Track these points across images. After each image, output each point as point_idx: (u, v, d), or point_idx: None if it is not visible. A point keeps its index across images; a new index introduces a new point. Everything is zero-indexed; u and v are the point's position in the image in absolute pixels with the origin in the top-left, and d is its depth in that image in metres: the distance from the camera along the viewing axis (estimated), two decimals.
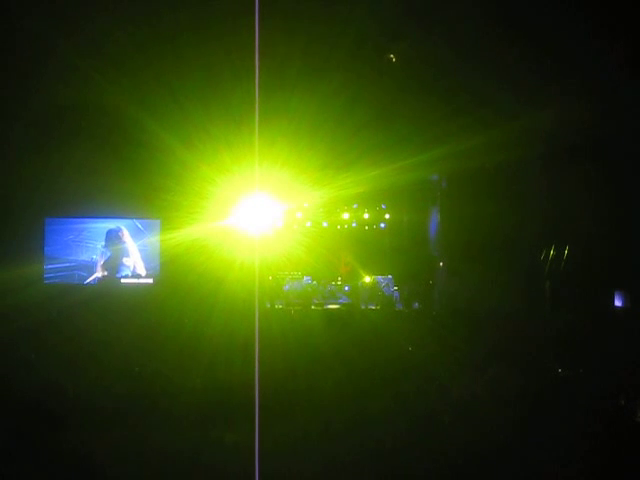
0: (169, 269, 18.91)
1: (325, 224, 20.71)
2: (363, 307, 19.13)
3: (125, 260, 19.21)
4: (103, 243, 19.03)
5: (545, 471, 6.51)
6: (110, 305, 16.69)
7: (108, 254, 19.07)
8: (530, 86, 12.37)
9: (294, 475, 6.45)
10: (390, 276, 20.07)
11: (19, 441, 6.70)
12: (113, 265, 19.10)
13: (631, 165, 12.74)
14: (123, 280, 19.16)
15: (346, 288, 20.25)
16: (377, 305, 19.30)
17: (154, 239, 19.30)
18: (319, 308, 19.08)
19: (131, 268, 19.15)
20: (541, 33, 11.32)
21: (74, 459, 6.49)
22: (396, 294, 19.80)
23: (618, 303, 14.50)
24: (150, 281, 19.23)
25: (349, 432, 7.26)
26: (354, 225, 21.00)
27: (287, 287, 19.89)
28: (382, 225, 21.01)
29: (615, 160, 13.09)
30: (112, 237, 19.11)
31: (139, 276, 19.15)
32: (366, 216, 20.86)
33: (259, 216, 17.15)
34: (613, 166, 13.16)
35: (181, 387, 8.71)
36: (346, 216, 20.76)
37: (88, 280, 18.95)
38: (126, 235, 19.17)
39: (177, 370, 9.44)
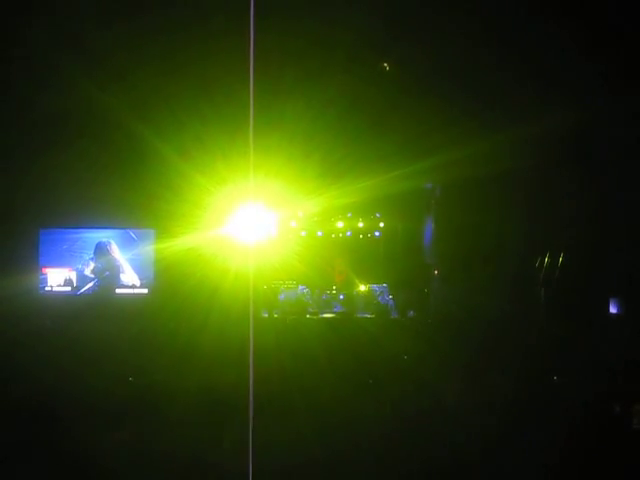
0: (164, 279, 18.89)
1: (320, 233, 20.73)
2: (358, 316, 19.13)
3: (116, 272, 19.24)
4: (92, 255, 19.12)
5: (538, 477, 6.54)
6: (104, 315, 16.67)
7: (98, 266, 19.13)
8: (521, 96, 12.43)
9: (287, 474, 6.49)
10: (385, 284, 20.09)
11: (13, 445, 6.72)
12: (104, 277, 19.16)
13: (624, 172, 12.81)
14: (118, 290, 19.14)
15: (341, 297, 20.26)
16: (372, 314, 19.30)
17: (149, 249, 19.30)
18: (314, 317, 19.08)
19: (124, 280, 19.20)
20: (530, 45, 11.40)
21: (68, 463, 6.50)
22: (391, 302, 19.81)
23: (613, 310, 14.53)
24: (145, 291, 19.22)
25: (342, 435, 7.30)
26: (348, 234, 21.01)
27: (282, 296, 19.89)
28: (377, 233, 21.04)
29: (608, 167, 13.15)
30: (101, 250, 19.20)
31: (134, 286, 19.14)
32: (360, 225, 20.90)
33: (254, 225, 17.14)
34: (606, 173, 13.22)
35: (177, 395, 8.72)
36: (340, 225, 20.80)
37: (82, 290, 18.95)
38: (114, 247, 19.25)
39: (173, 379, 9.45)
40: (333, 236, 20.94)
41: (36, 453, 6.66)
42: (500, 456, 6.66)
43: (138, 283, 19.13)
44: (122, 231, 19.32)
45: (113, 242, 19.27)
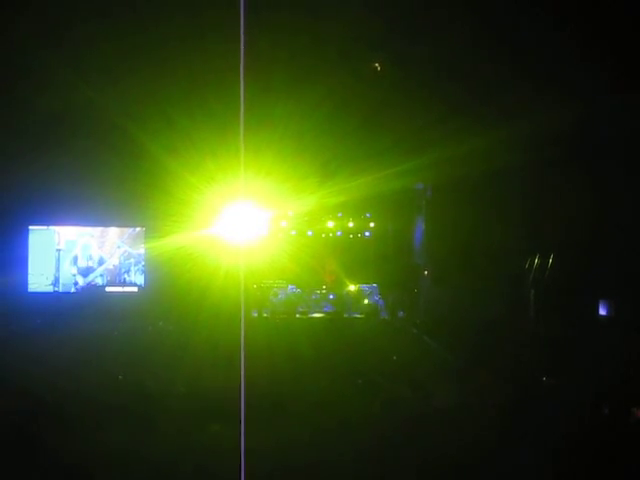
0: (154, 277, 18.87)
1: (310, 233, 20.70)
2: (347, 316, 19.11)
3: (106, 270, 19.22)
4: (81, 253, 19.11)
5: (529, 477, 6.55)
6: (94, 313, 16.63)
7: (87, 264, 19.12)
8: (511, 95, 12.46)
9: (279, 476, 6.48)
10: (375, 285, 20.08)
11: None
12: (94, 274, 19.14)
13: (615, 173, 12.84)
14: (107, 288, 19.10)
15: (331, 297, 20.22)
16: (362, 314, 19.30)
17: (138, 247, 19.28)
18: (304, 317, 19.07)
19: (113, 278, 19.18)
20: (521, 43, 11.41)
21: (55, 463, 6.47)
22: (381, 303, 19.81)
23: (602, 312, 14.57)
24: (134, 289, 19.19)
25: (331, 436, 7.29)
26: (339, 234, 20.97)
27: (272, 296, 19.85)
28: (367, 234, 21.01)
29: (599, 168, 13.18)
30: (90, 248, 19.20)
31: (124, 284, 19.13)
32: (351, 225, 20.88)
33: (244, 225, 17.10)
34: (597, 174, 13.25)
35: (166, 393, 8.72)
36: (331, 225, 20.77)
37: (71, 288, 18.91)
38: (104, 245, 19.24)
39: (163, 377, 9.44)
40: (323, 236, 20.89)
41: (24, 452, 6.63)
42: (488, 458, 6.68)
43: (128, 281, 19.13)
44: (112, 229, 19.33)
45: (102, 240, 19.25)
